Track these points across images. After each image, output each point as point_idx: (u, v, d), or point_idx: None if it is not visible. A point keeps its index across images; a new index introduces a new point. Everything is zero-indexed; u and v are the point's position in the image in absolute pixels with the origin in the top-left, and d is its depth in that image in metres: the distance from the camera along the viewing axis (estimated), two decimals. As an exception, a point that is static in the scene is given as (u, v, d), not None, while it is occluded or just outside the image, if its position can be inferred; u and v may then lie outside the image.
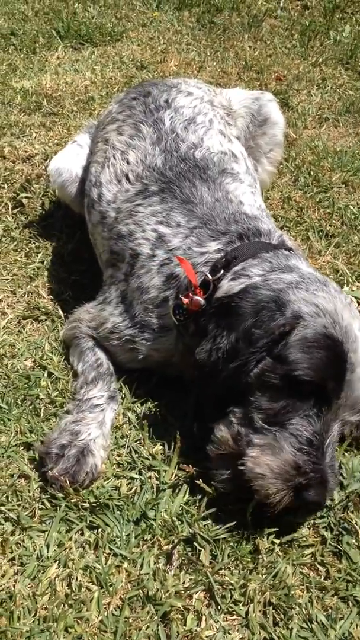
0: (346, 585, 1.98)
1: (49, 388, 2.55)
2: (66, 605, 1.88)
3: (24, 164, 3.88)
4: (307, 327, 1.97)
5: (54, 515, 2.10)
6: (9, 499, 2.15)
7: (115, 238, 2.60)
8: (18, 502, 2.15)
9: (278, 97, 4.42)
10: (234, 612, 1.90)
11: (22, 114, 4.42)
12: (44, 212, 3.55)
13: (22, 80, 4.84)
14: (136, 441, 2.37)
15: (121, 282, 2.55)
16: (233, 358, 2.03)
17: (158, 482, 2.22)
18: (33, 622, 1.83)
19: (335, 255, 3.37)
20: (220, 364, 2.06)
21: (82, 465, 2.18)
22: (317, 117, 4.73)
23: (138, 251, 2.48)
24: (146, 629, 1.84)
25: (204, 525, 2.07)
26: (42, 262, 3.23)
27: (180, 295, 2.31)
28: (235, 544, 2.05)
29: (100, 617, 1.86)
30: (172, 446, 2.28)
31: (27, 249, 3.30)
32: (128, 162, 2.72)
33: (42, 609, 1.86)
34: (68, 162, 3.23)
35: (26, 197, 3.59)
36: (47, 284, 3.10)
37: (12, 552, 2.01)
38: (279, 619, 1.90)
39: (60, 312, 2.91)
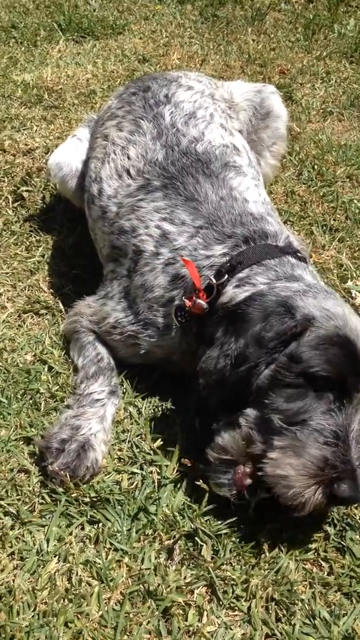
0: (349, 581, 1.97)
1: (49, 382, 2.53)
2: (66, 600, 1.87)
3: (25, 157, 3.85)
4: (320, 328, 1.97)
5: (54, 509, 2.09)
6: (9, 494, 2.14)
7: (117, 233, 2.58)
8: (18, 497, 2.13)
9: (282, 90, 4.39)
10: (236, 608, 1.89)
11: (23, 107, 4.39)
12: (44, 205, 3.53)
13: (23, 73, 4.81)
14: (137, 436, 2.35)
15: (124, 278, 2.53)
16: (242, 363, 2.00)
17: (159, 477, 2.20)
18: (33, 617, 1.82)
19: (339, 249, 3.35)
20: (228, 370, 2.03)
21: (82, 460, 2.17)
22: (321, 110, 4.69)
23: (141, 248, 2.46)
24: (147, 624, 1.82)
25: (206, 520, 2.06)
26: (43, 256, 3.21)
27: (184, 298, 2.29)
28: (237, 539, 2.03)
29: (100, 612, 1.85)
30: (174, 441, 2.26)
31: (28, 243, 3.28)
32: (129, 158, 2.69)
33: (41, 603, 1.85)
34: (68, 157, 3.20)
35: (27, 191, 3.56)
36: (47, 278, 3.08)
37: (11, 547, 1.99)
38: (281, 615, 1.88)
39: (61, 306, 2.89)
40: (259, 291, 2.13)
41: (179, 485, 2.17)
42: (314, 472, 1.88)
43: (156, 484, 2.19)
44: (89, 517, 2.08)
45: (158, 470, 2.23)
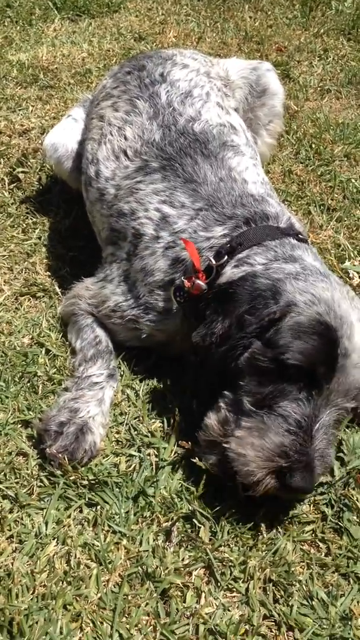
0: (347, 562, 1.97)
1: (46, 365, 2.52)
2: (65, 582, 1.87)
3: (20, 138, 3.82)
4: (301, 314, 1.95)
5: (52, 492, 2.09)
6: (7, 477, 2.14)
7: (116, 216, 2.56)
8: (16, 480, 2.13)
9: (279, 68, 4.35)
10: (234, 589, 1.90)
11: (18, 88, 4.35)
12: (40, 187, 3.50)
13: (18, 53, 4.76)
14: (135, 418, 2.35)
15: (123, 261, 2.51)
16: (224, 343, 2.02)
17: (157, 460, 2.20)
18: (31, 599, 1.82)
19: (336, 229, 3.33)
20: (213, 348, 2.05)
21: (80, 443, 2.17)
22: (318, 88, 4.65)
23: (141, 231, 2.44)
24: (145, 606, 1.83)
25: (204, 502, 2.06)
26: (40, 238, 3.18)
27: (183, 278, 2.28)
28: (235, 521, 2.03)
29: (99, 594, 1.85)
30: (172, 423, 2.26)
31: (24, 225, 3.26)
32: (125, 138, 2.66)
33: (40, 586, 1.86)
34: (63, 137, 3.17)
35: (22, 172, 3.54)
36: (44, 260, 3.06)
37: (10, 530, 2.00)
38: (279, 596, 1.89)
39: (58, 289, 2.88)
40: (252, 272, 2.13)
41: (176, 468, 2.17)
42: (270, 457, 1.89)
43: (154, 466, 2.19)
44: (87, 499, 2.08)
45: (156, 452, 2.23)
